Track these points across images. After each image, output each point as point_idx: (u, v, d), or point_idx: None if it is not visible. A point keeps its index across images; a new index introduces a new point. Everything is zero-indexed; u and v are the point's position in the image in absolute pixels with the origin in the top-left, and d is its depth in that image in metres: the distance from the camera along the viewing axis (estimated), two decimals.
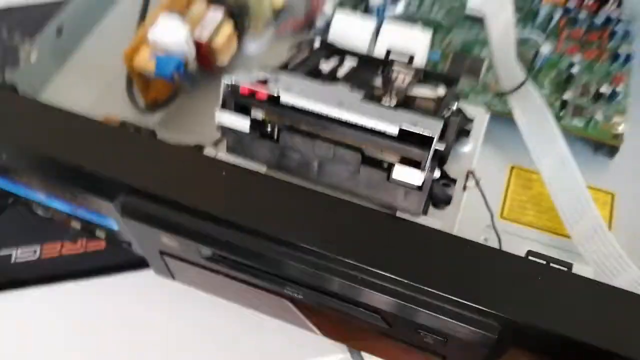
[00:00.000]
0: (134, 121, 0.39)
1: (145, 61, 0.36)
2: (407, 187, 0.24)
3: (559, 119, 0.37)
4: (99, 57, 0.44)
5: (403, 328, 0.25)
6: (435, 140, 0.23)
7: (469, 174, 0.31)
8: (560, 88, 0.39)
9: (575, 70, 0.38)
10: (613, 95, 0.37)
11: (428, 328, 0.24)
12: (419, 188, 0.24)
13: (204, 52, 0.40)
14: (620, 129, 0.36)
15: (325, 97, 0.25)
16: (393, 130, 0.24)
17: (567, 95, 0.38)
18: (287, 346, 0.34)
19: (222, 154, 0.28)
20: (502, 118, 0.38)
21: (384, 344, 0.28)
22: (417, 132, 0.23)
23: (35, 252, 0.38)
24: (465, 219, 0.30)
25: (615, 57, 0.40)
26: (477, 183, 0.31)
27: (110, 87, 0.42)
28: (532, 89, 0.36)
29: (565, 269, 0.23)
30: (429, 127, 0.24)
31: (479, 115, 0.33)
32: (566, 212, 0.34)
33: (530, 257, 0.24)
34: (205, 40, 0.39)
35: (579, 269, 0.34)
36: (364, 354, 0.33)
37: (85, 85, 0.42)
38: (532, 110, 0.36)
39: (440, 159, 0.26)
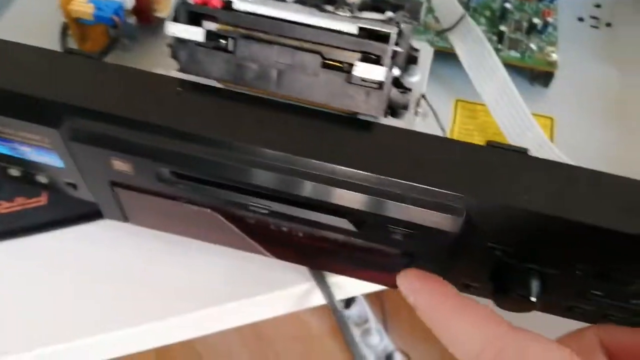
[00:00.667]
0: None
1: (82, 5, 0.35)
2: (368, 87, 0.25)
3: (497, 51, 0.39)
4: (30, 12, 0.42)
5: (371, 228, 0.25)
6: (392, 36, 0.24)
7: (421, 98, 0.32)
8: (495, 24, 0.41)
9: (508, 5, 0.40)
10: (544, 27, 0.40)
11: (397, 221, 0.24)
12: (380, 86, 0.24)
13: (143, 2, 0.38)
14: (554, 56, 0.39)
15: (282, 5, 0.25)
16: (352, 29, 0.24)
17: (503, 27, 0.39)
18: (247, 279, 0.33)
19: (175, 73, 0.27)
20: (444, 55, 0.39)
21: (347, 256, 0.28)
22: (377, 28, 0.24)
23: None
24: None
25: None
26: (428, 103, 0.32)
27: (43, 41, 0.40)
28: (470, 23, 0.38)
29: (523, 152, 0.24)
30: (386, 26, 0.24)
31: (423, 49, 0.34)
32: (511, 132, 0.36)
33: (489, 146, 0.25)
34: None
35: None
36: (329, 280, 0.33)
37: (16, 39, 0.40)
38: (471, 42, 0.38)
39: (397, 63, 0.26)
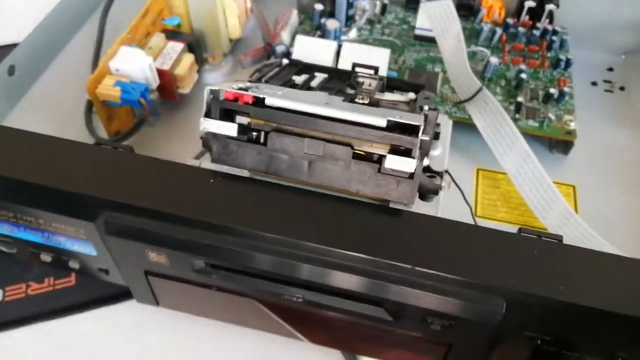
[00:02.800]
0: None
1: (109, 89, 0.36)
2: (399, 177, 0.25)
3: (515, 121, 0.39)
4: (55, 93, 0.43)
5: (408, 319, 0.25)
6: (421, 128, 0.24)
7: (444, 173, 0.32)
8: (512, 94, 0.41)
9: (523, 75, 0.41)
10: (561, 96, 0.40)
11: (435, 313, 0.24)
12: (411, 176, 0.25)
13: (167, 81, 0.40)
14: (572, 125, 0.39)
15: (309, 99, 0.26)
16: (381, 122, 0.24)
17: (520, 98, 0.40)
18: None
19: (208, 164, 0.27)
20: (462, 125, 0.40)
21: (383, 342, 0.28)
22: (405, 122, 0.24)
23: None
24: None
25: (556, 63, 0.43)
26: (453, 179, 0.32)
27: (68, 122, 0.41)
28: (487, 94, 0.38)
29: (556, 240, 0.24)
30: (413, 118, 0.25)
31: (443, 122, 0.35)
32: (536, 204, 0.36)
33: (522, 234, 0.25)
34: (167, 69, 0.39)
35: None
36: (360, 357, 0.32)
37: (43, 122, 0.41)
38: (489, 114, 0.38)
39: (424, 151, 0.26)
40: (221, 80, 0.45)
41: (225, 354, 0.33)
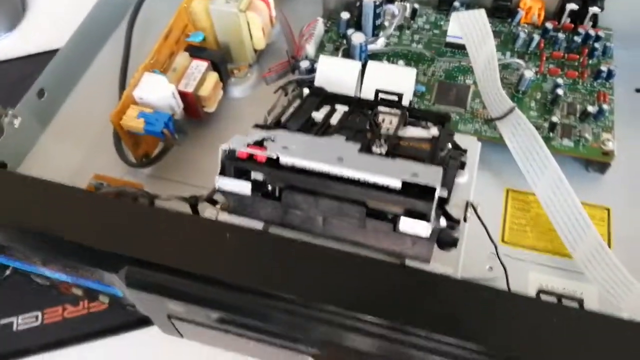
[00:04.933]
0: (126, 178, 0.40)
1: (133, 120, 0.36)
2: (415, 237, 0.25)
3: (548, 140, 0.38)
4: (83, 114, 0.44)
5: None
6: (438, 190, 0.24)
7: (468, 205, 0.31)
8: (547, 109, 0.39)
9: (560, 91, 0.39)
10: (599, 112, 0.38)
11: None
12: (427, 237, 0.24)
13: (191, 102, 0.40)
14: (610, 145, 0.37)
15: (324, 152, 0.25)
16: (396, 184, 0.24)
17: (555, 117, 0.38)
18: None
19: (224, 216, 0.27)
20: (493, 144, 0.38)
21: None
22: (420, 183, 0.23)
23: (37, 318, 0.37)
24: (468, 247, 0.30)
25: (597, 74, 0.40)
26: (476, 212, 0.31)
27: (98, 144, 0.42)
28: (519, 115, 0.37)
29: (576, 305, 0.24)
30: (430, 177, 0.24)
31: (471, 145, 0.34)
32: (566, 233, 0.34)
33: (541, 296, 0.24)
34: (191, 91, 0.39)
35: (584, 288, 0.34)
36: None
37: (72, 144, 0.42)
38: (521, 135, 0.37)
39: (442, 204, 0.26)
40: (247, 93, 0.45)
41: None
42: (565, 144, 0.38)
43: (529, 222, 0.37)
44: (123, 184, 0.38)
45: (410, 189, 0.24)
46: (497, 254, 0.32)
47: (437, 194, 0.23)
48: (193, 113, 0.41)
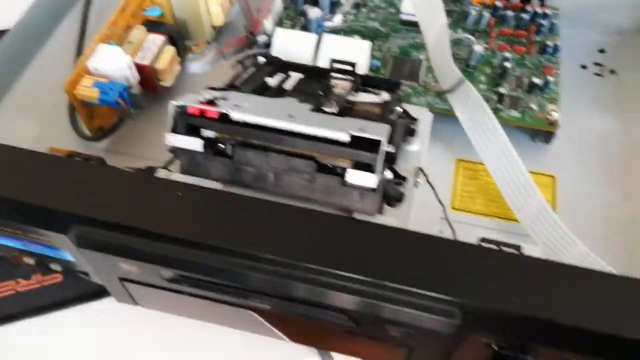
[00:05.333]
0: (81, 151, 0.39)
1: (87, 90, 0.36)
2: (362, 190, 0.25)
3: (497, 111, 0.39)
4: (38, 90, 0.43)
5: (369, 325, 0.26)
6: (383, 142, 0.24)
7: (419, 171, 0.32)
8: (495, 82, 0.41)
9: (508, 64, 0.40)
10: (545, 85, 0.40)
11: (393, 322, 0.24)
12: (373, 190, 0.25)
13: (147, 75, 0.40)
14: (555, 115, 0.39)
15: (275, 111, 0.26)
16: (344, 137, 0.24)
17: (503, 89, 0.40)
18: (256, 357, 0.34)
19: (177, 175, 0.28)
20: (445, 116, 0.39)
21: (352, 342, 0.29)
22: (367, 137, 0.24)
23: None
24: (418, 213, 0.31)
25: (543, 49, 0.42)
26: (427, 179, 0.32)
27: (52, 119, 0.41)
28: (469, 87, 0.38)
29: (515, 251, 0.25)
30: (377, 132, 0.25)
31: (423, 115, 0.35)
32: (512, 198, 0.36)
33: (482, 244, 0.25)
34: (147, 63, 0.39)
35: (529, 250, 0.36)
36: (333, 354, 0.33)
37: (27, 119, 0.42)
38: (471, 107, 0.38)
39: (390, 160, 0.26)
40: (206, 69, 0.45)
41: (206, 350, 0.34)
42: (512, 114, 0.39)
43: (478, 190, 0.39)
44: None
45: (358, 143, 0.25)
46: (446, 215, 0.33)
47: (382, 147, 0.24)
48: (149, 87, 0.41)
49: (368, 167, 0.24)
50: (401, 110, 0.31)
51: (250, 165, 0.26)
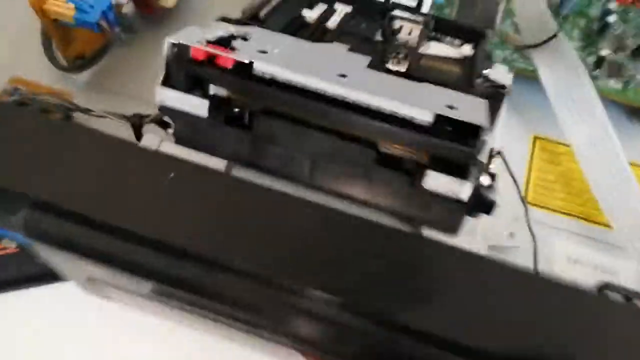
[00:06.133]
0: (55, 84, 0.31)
1: (59, 6, 0.27)
2: (444, 199, 0.17)
3: (592, 79, 0.30)
4: (7, 4, 0.34)
5: None
6: (486, 131, 0.16)
7: (493, 154, 0.24)
8: (592, 41, 0.32)
9: (611, 18, 0.31)
10: None
11: None
12: (462, 203, 0.17)
13: None
14: None
15: (319, 64, 0.17)
16: (426, 117, 0.16)
17: (604, 51, 0.30)
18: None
19: (169, 146, 0.19)
20: (523, 78, 0.31)
21: None
22: (463, 119, 0.16)
23: None
24: None
25: None
26: (508, 168, 0.24)
27: (23, 43, 0.33)
28: (564, 43, 0.29)
29: None
30: (474, 111, 0.16)
31: (499, 76, 0.26)
32: (606, 197, 0.28)
33: (605, 291, 0.17)
34: None
35: (620, 265, 0.28)
36: None
37: None
38: (563, 70, 0.29)
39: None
40: None
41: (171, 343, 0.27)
42: (611, 85, 0.30)
43: (559, 179, 0.30)
44: (46, 92, 0.29)
45: (443, 127, 0.16)
46: (527, 218, 0.25)
47: (485, 137, 0.16)
48: (145, 6, 0.32)
49: (459, 169, 0.16)
50: (487, 72, 0.23)
51: (277, 143, 0.18)
